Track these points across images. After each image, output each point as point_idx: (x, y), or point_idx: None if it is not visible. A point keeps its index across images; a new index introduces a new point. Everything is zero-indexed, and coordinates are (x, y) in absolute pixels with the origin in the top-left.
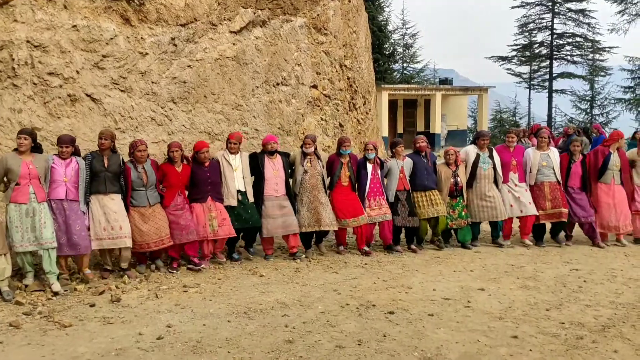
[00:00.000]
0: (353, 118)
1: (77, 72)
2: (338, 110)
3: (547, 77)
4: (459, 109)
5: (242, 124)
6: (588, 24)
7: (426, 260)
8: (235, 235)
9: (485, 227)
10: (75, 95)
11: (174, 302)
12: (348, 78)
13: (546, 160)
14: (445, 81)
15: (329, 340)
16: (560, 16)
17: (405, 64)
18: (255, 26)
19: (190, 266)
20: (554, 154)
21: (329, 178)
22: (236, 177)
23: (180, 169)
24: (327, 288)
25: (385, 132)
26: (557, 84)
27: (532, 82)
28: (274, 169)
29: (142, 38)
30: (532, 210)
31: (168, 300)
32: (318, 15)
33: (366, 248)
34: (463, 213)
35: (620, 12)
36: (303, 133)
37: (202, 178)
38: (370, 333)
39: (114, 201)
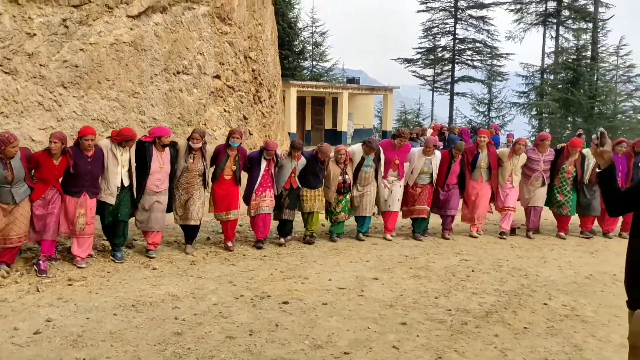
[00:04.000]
0: (258, 111)
1: None
2: (242, 102)
3: (449, 80)
4: (365, 108)
5: (139, 112)
6: (487, 31)
7: (324, 251)
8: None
9: (403, 222)
10: None
11: (57, 296)
12: (253, 70)
13: (428, 166)
14: (352, 80)
15: (219, 332)
16: (462, 22)
17: (314, 62)
18: (155, 12)
19: (36, 268)
20: (436, 160)
21: (213, 168)
22: (121, 172)
23: (58, 162)
24: (222, 280)
25: (293, 128)
26: (458, 87)
27: (435, 85)
28: (160, 163)
29: (29, 18)
30: (396, 206)
31: (50, 294)
32: (222, 4)
33: (229, 243)
34: (347, 208)
35: (516, 20)
36: (205, 124)
37: (82, 170)
38: (262, 323)
39: None
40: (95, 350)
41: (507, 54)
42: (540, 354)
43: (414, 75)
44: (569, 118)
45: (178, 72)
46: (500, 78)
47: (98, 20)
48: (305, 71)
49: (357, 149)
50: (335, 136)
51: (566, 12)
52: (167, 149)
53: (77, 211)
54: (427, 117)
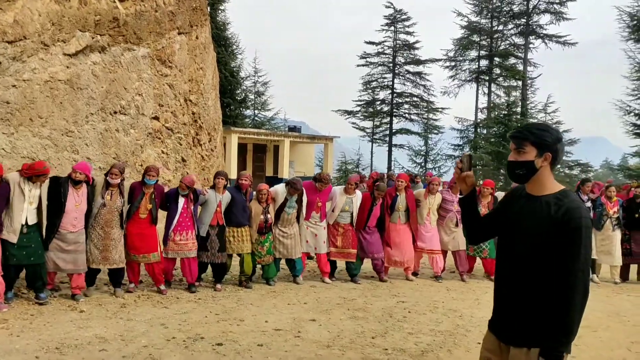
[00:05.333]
0: (197, 154)
1: None
2: (181, 145)
3: (387, 132)
4: (306, 156)
5: (73, 151)
6: (424, 86)
7: (262, 294)
8: (2, 273)
9: (341, 264)
10: None
11: None
12: (193, 113)
13: (349, 205)
14: (294, 129)
15: None
16: (400, 77)
17: (256, 111)
18: (94, 51)
19: None
20: (357, 198)
21: (128, 207)
22: (27, 209)
23: None
24: (153, 322)
25: (234, 175)
26: (397, 139)
27: (374, 136)
28: (76, 201)
29: None
30: (324, 249)
31: None
32: (163, 47)
33: (162, 287)
34: (272, 249)
35: (451, 77)
36: (141, 165)
37: None
38: None
39: None
40: None
41: (442, 108)
42: None
43: (354, 127)
44: (502, 170)
45: (115, 112)
46: (436, 131)
47: (33, 57)
48: (247, 119)
49: (280, 189)
50: (276, 183)
51: (497, 70)
52: (84, 187)
53: None
54: (366, 167)
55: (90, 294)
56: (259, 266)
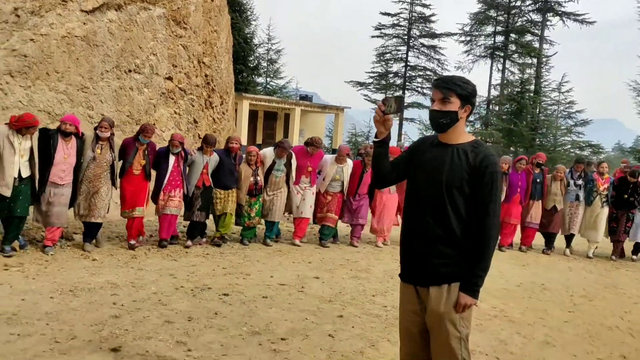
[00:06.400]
0: (209, 116)
1: None
2: (193, 106)
3: None
4: (317, 126)
5: (87, 107)
6: (438, 60)
7: (268, 253)
8: None
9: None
10: None
11: None
12: (206, 75)
13: (340, 174)
14: (305, 97)
15: (157, 317)
16: (414, 50)
17: (268, 79)
18: (110, 9)
19: None
20: (348, 167)
21: (121, 163)
22: (19, 162)
23: None
24: (163, 273)
25: (244, 141)
26: (408, 113)
27: None
28: (65, 153)
29: None
30: (309, 214)
31: None
32: (178, 8)
33: (132, 242)
34: (260, 212)
35: (466, 52)
36: (154, 124)
37: None
38: (201, 311)
39: None
40: (30, 327)
41: None
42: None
43: (366, 99)
44: (512, 148)
45: (130, 71)
46: None
47: (51, 12)
48: (259, 87)
49: (268, 152)
50: None
51: (513, 47)
52: (73, 140)
53: None
54: None
55: (102, 246)
56: (236, 227)
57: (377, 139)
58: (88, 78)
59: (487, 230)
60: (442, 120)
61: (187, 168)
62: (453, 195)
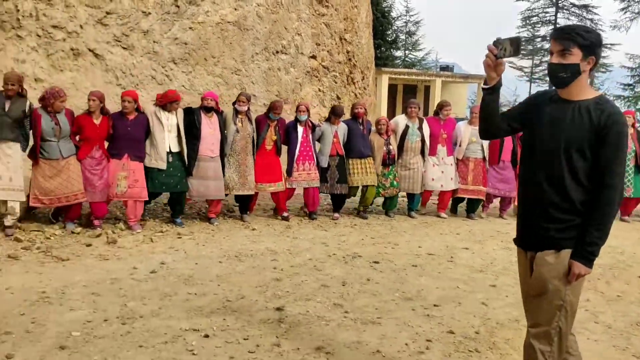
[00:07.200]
0: (351, 92)
1: (81, 26)
2: (336, 83)
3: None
4: (458, 97)
5: (241, 89)
6: (591, 20)
7: (414, 224)
8: (147, 199)
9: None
10: (78, 49)
11: (168, 246)
12: (347, 52)
13: (476, 136)
14: (446, 68)
15: (314, 281)
16: (564, 11)
17: (407, 52)
18: None
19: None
20: None
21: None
22: (168, 137)
23: (99, 121)
24: (315, 241)
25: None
26: None
27: (532, 76)
28: (210, 127)
29: None
30: (452, 185)
31: (162, 244)
32: None
33: (285, 214)
34: (395, 182)
35: (623, 9)
36: (300, 102)
37: (120, 132)
38: (354, 277)
39: (11, 150)
40: (205, 287)
41: (611, 44)
42: (632, 318)
43: (511, 66)
44: None
45: (277, 52)
46: (603, 69)
47: (206, 1)
48: (397, 60)
49: (399, 118)
50: None
51: None
52: (214, 115)
53: (118, 174)
54: None
55: (249, 220)
56: (379, 198)
57: (487, 86)
58: (240, 61)
59: (608, 195)
60: (562, 74)
61: (318, 143)
62: (572, 158)
